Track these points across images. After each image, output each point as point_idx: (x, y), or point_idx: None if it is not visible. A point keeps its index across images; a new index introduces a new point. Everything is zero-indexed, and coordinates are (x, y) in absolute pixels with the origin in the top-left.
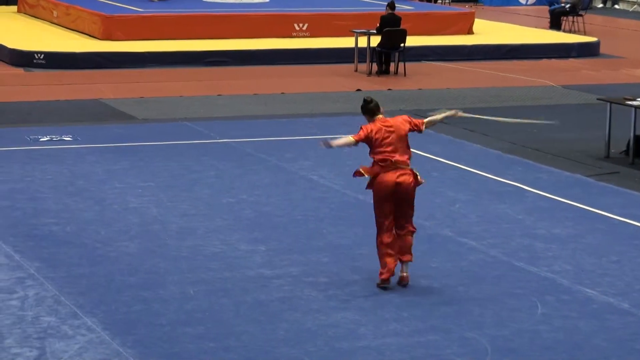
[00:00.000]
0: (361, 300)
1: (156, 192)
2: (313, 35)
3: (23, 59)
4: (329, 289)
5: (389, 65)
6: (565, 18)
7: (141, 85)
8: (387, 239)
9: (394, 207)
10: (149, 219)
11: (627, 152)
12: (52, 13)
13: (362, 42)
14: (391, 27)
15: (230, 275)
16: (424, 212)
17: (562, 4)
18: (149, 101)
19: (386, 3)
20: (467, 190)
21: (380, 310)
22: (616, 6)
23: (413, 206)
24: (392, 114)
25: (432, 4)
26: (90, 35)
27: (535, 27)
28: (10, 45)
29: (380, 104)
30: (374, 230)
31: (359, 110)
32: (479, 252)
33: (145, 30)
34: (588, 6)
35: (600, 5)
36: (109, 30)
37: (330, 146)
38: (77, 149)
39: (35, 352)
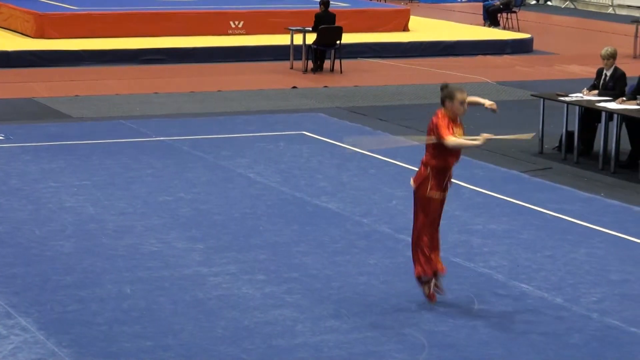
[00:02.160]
0: (298, 298)
1: (92, 191)
2: (249, 32)
3: None
4: (266, 287)
5: (323, 62)
6: (499, 15)
7: (76, 83)
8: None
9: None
10: (85, 218)
11: (559, 147)
12: None
13: (298, 39)
14: (326, 25)
15: (168, 274)
16: (362, 209)
17: (496, 1)
18: (84, 99)
19: (320, 1)
20: (404, 187)
21: (317, 307)
22: (549, 3)
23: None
24: (328, 111)
25: (368, 1)
26: (23, 34)
27: (470, 24)
28: None
29: (316, 101)
30: (311, 226)
31: (296, 107)
32: None
33: (80, 29)
34: (522, 3)
35: (534, 2)
36: (42, 28)
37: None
38: (10, 148)
39: None
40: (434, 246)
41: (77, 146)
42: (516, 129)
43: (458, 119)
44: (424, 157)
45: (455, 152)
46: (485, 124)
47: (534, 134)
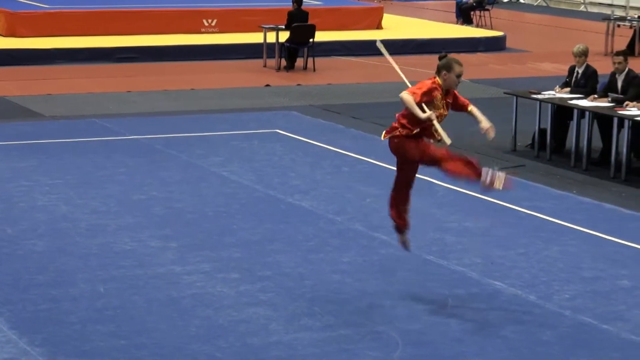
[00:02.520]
0: (272, 296)
1: (65, 190)
2: (222, 30)
3: None
4: (240, 285)
5: (295, 60)
6: (472, 13)
7: (48, 82)
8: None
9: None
10: (58, 216)
11: (532, 145)
12: None
13: (271, 37)
14: (299, 23)
15: (142, 272)
16: (335, 207)
17: None
18: (56, 98)
19: None
20: (378, 185)
21: (291, 305)
22: (521, 0)
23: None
24: (302, 109)
25: None
26: None
27: (443, 22)
28: None
29: (289, 99)
30: (285, 225)
31: (269, 105)
32: (390, 246)
33: (52, 27)
34: (494, 1)
35: (506, 0)
36: (13, 27)
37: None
38: None
39: None
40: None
41: (49, 145)
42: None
43: (447, 93)
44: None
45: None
46: (457, 120)
47: (450, 142)
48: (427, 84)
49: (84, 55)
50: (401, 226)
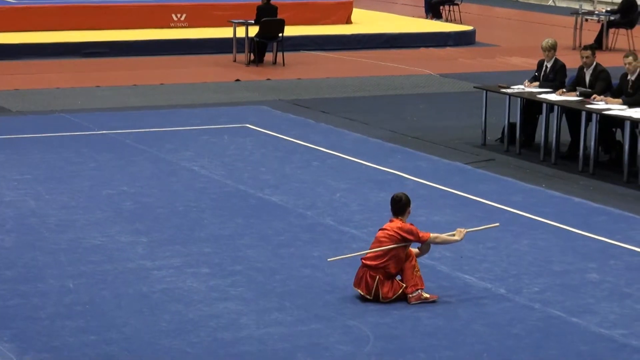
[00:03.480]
0: (243, 291)
1: (33, 185)
2: (191, 25)
3: None
4: (210, 280)
5: (264, 55)
6: (442, 7)
7: (16, 77)
8: None
9: None
10: (26, 212)
11: (502, 139)
12: None
13: (241, 32)
14: (268, 17)
15: (111, 268)
16: (306, 202)
17: None
18: (24, 93)
19: None
20: (347, 179)
21: (262, 300)
22: None
23: None
24: (271, 104)
25: None
26: None
27: (413, 17)
28: None
29: (259, 93)
30: (255, 219)
31: (239, 100)
32: (360, 240)
33: (20, 22)
34: None
35: None
36: None
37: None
38: None
39: None
40: None
41: (17, 140)
42: (459, 121)
43: None
44: (387, 268)
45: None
46: (428, 115)
47: (498, 224)
48: (409, 225)
49: (52, 50)
50: None
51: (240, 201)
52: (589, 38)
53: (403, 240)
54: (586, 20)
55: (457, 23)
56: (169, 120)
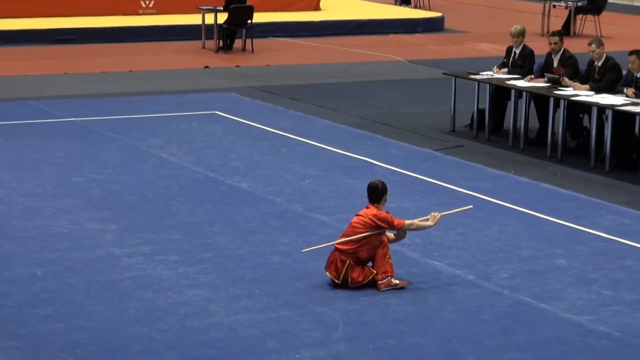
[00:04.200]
0: (212, 278)
1: (0, 173)
2: (160, 12)
3: None
4: (180, 267)
5: (234, 41)
6: None
7: None
8: None
9: None
10: None
11: (471, 125)
12: None
13: (209, 19)
14: (237, 4)
15: (80, 255)
16: (275, 188)
17: None
18: None
19: None
20: (317, 166)
21: (231, 287)
22: None
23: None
24: (240, 91)
25: None
26: None
27: (382, 3)
28: None
29: (228, 80)
30: (225, 206)
31: (208, 86)
32: (330, 227)
33: None
34: None
35: None
36: None
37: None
38: None
39: None
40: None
41: None
42: (428, 107)
43: None
44: (359, 254)
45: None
46: (397, 102)
47: (471, 206)
48: (383, 212)
49: (19, 37)
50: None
51: (210, 188)
52: (557, 24)
53: (377, 227)
54: (554, 6)
55: (426, 9)
56: (137, 108)
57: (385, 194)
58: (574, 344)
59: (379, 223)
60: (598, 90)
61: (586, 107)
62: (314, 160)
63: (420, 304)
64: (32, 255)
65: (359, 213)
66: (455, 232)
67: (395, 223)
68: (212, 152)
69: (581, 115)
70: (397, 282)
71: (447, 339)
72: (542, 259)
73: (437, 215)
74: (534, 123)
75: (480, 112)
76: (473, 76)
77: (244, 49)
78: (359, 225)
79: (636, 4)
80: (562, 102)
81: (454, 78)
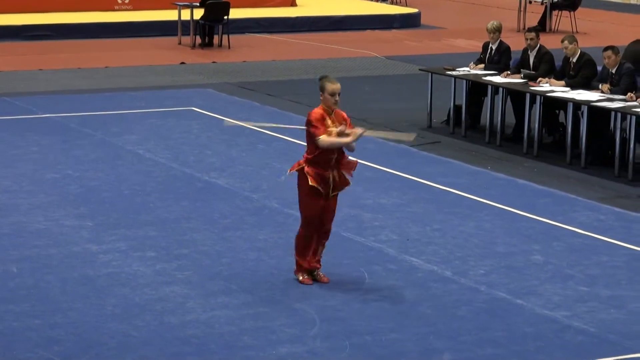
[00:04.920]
0: (189, 274)
1: None
2: (136, 8)
3: None
4: (157, 264)
5: (212, 37)
6: None
7: None
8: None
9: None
10: None
11: (447, 121)
12: None
13: (186, 14)
14: (213, 0)
15: (56, 252)
16: (251, 185)
17: None
18: None
19: None
20: (293, 162)
21: (208, 283)
22: None
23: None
24: (217, 87)
25: None
26: None
27: None
28: None
29: (204, 76)
30: (201, 202)
31: (184, 82)
32: None
33: None
34: None
35: None
36: None
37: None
38: None
39: None
40: (309, 246)
41: None
42: (405, 103)
43: (332, 113)
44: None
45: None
46: (373, 98)
47: (415, 134)
48: (313, 116)
49: None
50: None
51: (186, 184)
52: (533, 20)
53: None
54: (530, 2)
55: (402, 5)
56: (114, 104)
57: (320, 90)
58: (550, 340)
59: (307, 125)
60: (573, 86)
61: (562, 103)
62: (290, 156)
63: (397, 300)
64: (8, 252)
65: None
66: (432, 228)
67: (314, 133)
68: (189, 149)
69: (557, 111)
70: (301, 279)
71: (423, 335)
72: (518, 255)
73: (359, 131)
74: (511, 119)
75: (457, 108)
76: (450, 72)
77: (220, 45)
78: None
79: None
80: (538, 98)
81: (430, 74)
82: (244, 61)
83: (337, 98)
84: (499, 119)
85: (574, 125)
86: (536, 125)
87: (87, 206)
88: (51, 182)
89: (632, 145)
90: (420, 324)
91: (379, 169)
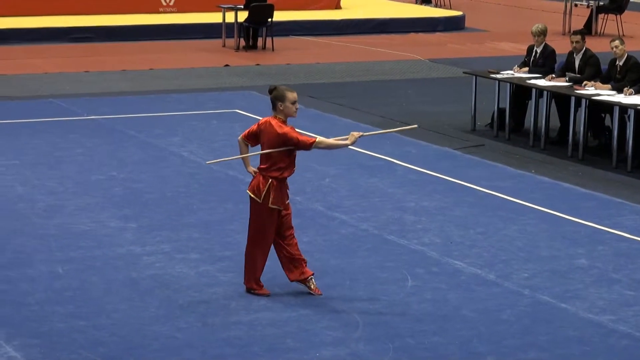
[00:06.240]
0: (232, 276)
1: (21, 170)
2: (180, 10)
3: None
4: (200, 266)
5: (257, 40)
6: None
7: (2, 62)
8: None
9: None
10: (14, 197)
11: (491, 124)
12: None
13: (230, 17)
14: (258, 2)
15: (101, 253)
16: (294, 187)
17: None
18: (11, 78)
19: None
20: (337, 165)
21: None
22: None
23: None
24: (261, 89)
25: None
26: None
27: (403, 2)
28: None
29: (248, 79)
30: (244, 205)
31: (228, 85)
32: (350, 225)
33: (5, 7)
34: None
35: None
36: None
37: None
38: None
39: None
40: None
41: (4, 125)
42: (449, 106)
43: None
44: (264, 169)
45: (293, 163)
46: (417, 101)
47: (416, 125)
48: (287, 129)
49: (38, 35)
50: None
51: (230, 187)
52: (579, 23)
53: (284, 145)
54: (575, 5)
55: (446, 8)
56: (158, 106)
57: (278, 101)
58: (595, 344)
59: (281, 138)
60: (619, 90)
61: (608, 106)
62: (334, 159)
63: (440, 303)
64: (53, 253)
65: (259, 122)
66: (475, 231)
67: (305, 140)
68: (232, 151)
69: (603, 115)
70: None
71: (466, 339)
72: (562, 259)
73: (357, 134)
74: (555, 122)
75: (501, 112)
76: (494, 75)
77: (264, 48)
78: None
79: None
80: (583, 101)
81: (474, 77)
82: (288, 64)
83: (297, 105)
84: (543, 122)
85: (620, 128)
86: (581, 129)
87: (131, 208)
88: (96, 184)
89: None
90: (463, 327)
91: (422, 171)
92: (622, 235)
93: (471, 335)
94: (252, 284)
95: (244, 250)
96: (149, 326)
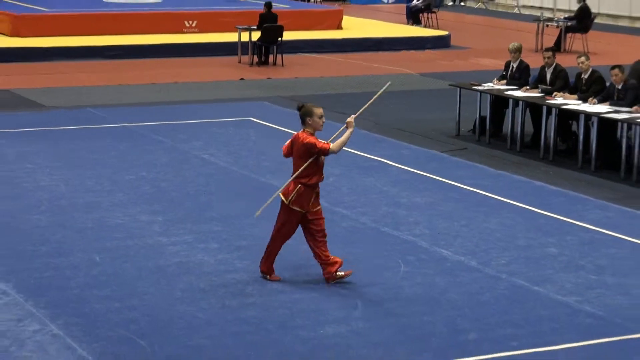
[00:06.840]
0: (248, 263)
1: (64, 172)
2: (202, 31)
3: None
4: (219, 254)
5: (268, 57)
6: (421, 14)
7: (48, 76)
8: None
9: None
10: (58, 195)
11: (474, 130)
12: None
13: (245, 36)
14: (269, 24)
15: (132, 243)
16: None
17: (417, 2)
18: (55, 91)
19: (264, 3)
20: (339, 166)
21: None
22: (462, 4)
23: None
24: (272, 100)
25: (305, 2)
26: (0, 33)
27: (395, 23)
28: None
29: (261, 91)
30: (258, 201)
31: (243, 96)
32: (350, 219)
33: (51, 28)
34: (440, 4)
35: (450, 3)
36: (17, 28)
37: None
38: None
39: None
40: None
41: (50, 132)
42: (436, 114)
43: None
44: (298, 178)
45: (321, 170)
46: (409, 109)
47: (389, 82)
48: (312, 138)
49: (79, 52)
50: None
51: (245, 185)
52: (550, 41)
53: (310, 154)
54: (547, 26)
55: (434, 29)
56: (181, 114)
57: (307, 116)
58: (563, 322)
59: (306, 148)
60: (585, 100)
61: (575, 114)
62: (336, 161)
63: (429, 286)
64: (91, 244)
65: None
66: (459, 223)
67: (324, 147)
68: (247, 154)
69: (570, 122)
70: (342, 273)
71: (452, 318)
72: (536, 248)
73: (351, 119)
74: (529, 128)
75: (482, 119)
76: (476, 87)
77: (275, 63)
78: (298, 159)
79: (619, 24)
80: (553, 110)
81: (459, 89)
82: (296, 77)
83: (324, 120)
84: (519, 128)
85: (585, 134)
86: (552, 134)
87: (158, 204)
88: (128, 183)
89: (637, 152)
90: (448, 307)
91: (413, 171)
92: (587, 227)
93: (456, 315)
94: (266, 268)
95: (258, 241)
96: (174, 307)
